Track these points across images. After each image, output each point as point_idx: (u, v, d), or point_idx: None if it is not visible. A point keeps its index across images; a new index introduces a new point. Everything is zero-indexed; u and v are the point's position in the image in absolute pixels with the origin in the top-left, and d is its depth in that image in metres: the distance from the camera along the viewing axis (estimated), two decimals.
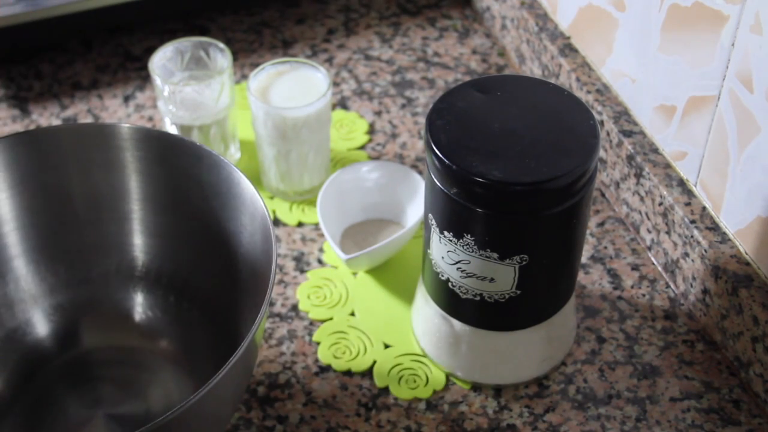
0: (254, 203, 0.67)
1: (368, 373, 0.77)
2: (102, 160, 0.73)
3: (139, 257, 0.76)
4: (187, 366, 0.75)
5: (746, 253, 0.76)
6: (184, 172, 0.72)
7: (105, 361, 0.76)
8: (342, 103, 0.99)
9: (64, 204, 0.74)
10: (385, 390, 0.76)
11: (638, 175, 0.84)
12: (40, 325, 0.76)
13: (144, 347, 0.76)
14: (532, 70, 0.99)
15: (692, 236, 0.78)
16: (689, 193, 0.81)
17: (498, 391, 0.76)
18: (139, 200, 0.74)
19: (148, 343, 0.76)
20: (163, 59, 0.87)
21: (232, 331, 0.71)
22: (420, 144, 0.94)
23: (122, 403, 0.73)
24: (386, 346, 0.78)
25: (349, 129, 0.96)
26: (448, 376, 0.77)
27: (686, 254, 0.80)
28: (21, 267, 0.75)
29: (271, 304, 0.81)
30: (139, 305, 0.77)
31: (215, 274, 0.73)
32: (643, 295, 0.82)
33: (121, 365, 0.76)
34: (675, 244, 0.81)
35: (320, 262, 0.85)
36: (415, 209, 0.84)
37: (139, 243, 0.76)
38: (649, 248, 0.85)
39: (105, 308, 0.77)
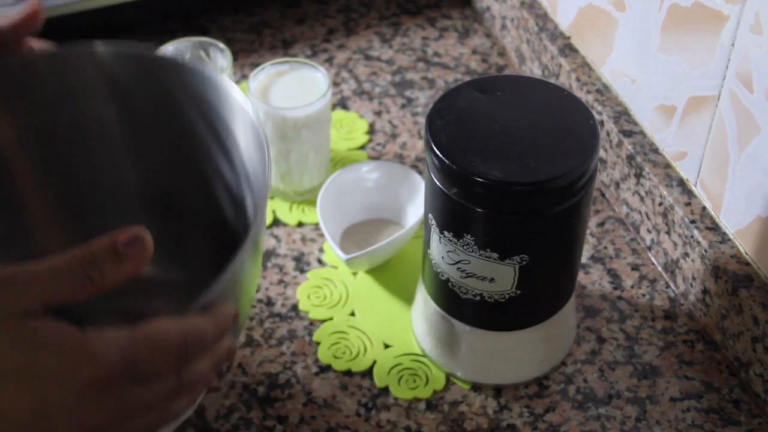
0: (243, 112, 0.64)
1: (368, 373, 0.77)
2: (82, 86, 0.69)
3: (134, 183, 0.73)
4: (192, 293, 0.73)
5: (746, 253, 0.76)
6: (166, 89, 0.68)
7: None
8: (342, 103, 0.99)
9: (48, 134, 0.71)
10: (385, 390, 0.76)
11: (638, 175, 0.84)
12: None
13: (146, 275, 0.72)
14: (532, 70, 0.99)
15: (692, 236, 0.78)
16: (689, 193, 0.81)
17: (498, 391, 0.76)
18: (126, 123, 0.71)
19: (151, 270, 0.71)
20: None
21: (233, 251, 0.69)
22: (420, 144, 0.94)
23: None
24: (386, 346, 0.78)
25: (349, 129, 0.96)
26: (448, 376, 0.77)
27: (686, 254, 0.80)
28: (9, 203, 0.71)
29: (272, 304, 0.81)
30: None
31: (214, 194, 0.71)
32: (643, 295, 0.82)
33: (123, 294, 0.71)
34: (675, 244, 0.81)
35: (320, 262, 0.85)
36: (415, 209, 0.84)
37: (132, 168, 0.73)
38: (649, 248, 0.85)
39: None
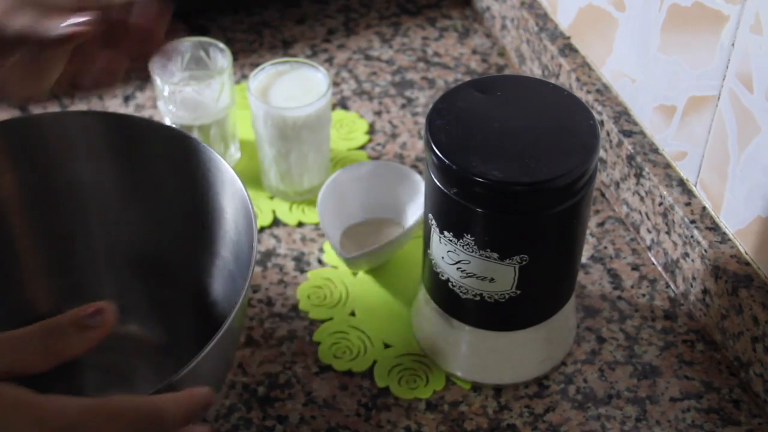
0: (233, 184, 0.67)
1: (368, 373, 0.77)
2: (81, 148, 0.72)
3: (122, 244, 0.76)
4: (172, 352, 0.75)
5: (746, 253, 0.76)
6: (160, 157, 0.71)
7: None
8: (342, 103, 0.99)
9: (45, 192, 0.74)
10: (385, 390, 0.76)
11: (638, 175, 0.84)
12: (24, 312, 0.75)
13: (129, 333, 0.76)
14: (532, 70, 0.99)
15: (692, 236, 0.78)
16: (689, 193, 0.81)
17: (498, 391, 0.76)
18: (120, 186, 0.74)
19: (133, 329, 0.76)
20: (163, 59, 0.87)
21: (216, 316, 0.71)
22: (420, 144, 0.94)
23: (107, 390, 0.73)
24: (386, 346, 0.78)
25: (349, 129, 0.96)
26: (448, 376, 0.77)
27: (686, 254, 0.80)
28: (3, 254, 0.74)
29: (272, 304, 0.81)
30: (123, 291, 0.76)
31: (198, 259, 0.73)
32: (643, 295, 0.82)
33: (106, 351, 0.75)
34: (675, 244, 0.81)
35: (320, 262, 0.85)
36: (415, 209, 0.84)
37: (122, 228, 0.75)
38: (649, 248, 0.85)
39: (88, 295, 0.76)
